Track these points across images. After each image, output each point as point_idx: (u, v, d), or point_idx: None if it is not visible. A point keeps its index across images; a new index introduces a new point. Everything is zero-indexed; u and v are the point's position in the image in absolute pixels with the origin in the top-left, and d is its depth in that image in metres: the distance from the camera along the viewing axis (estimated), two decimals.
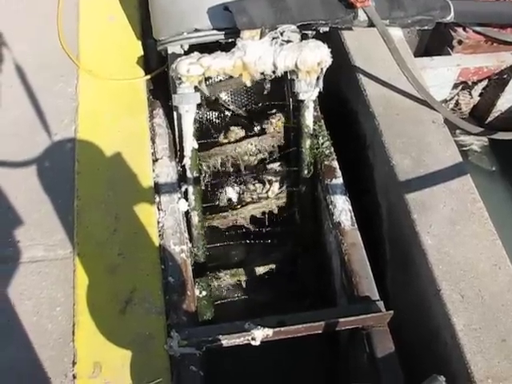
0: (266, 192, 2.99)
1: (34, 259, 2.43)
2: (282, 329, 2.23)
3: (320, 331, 2.31)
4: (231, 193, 3.00)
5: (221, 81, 2.78)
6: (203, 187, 2.94)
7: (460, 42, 3.43)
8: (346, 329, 2.38)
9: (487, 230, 2.42)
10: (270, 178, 3.01)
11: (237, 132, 2.94)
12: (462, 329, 2.16)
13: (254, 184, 3.01)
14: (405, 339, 2.45)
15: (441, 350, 2.31)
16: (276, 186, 3.00)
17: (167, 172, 2.75)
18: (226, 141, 2.95)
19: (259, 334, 2.21)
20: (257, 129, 2.97)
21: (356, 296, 2.48)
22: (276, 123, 2.92)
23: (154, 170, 2.73)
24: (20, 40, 3.14)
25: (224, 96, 3.01)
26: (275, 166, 3.02)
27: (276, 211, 3.06)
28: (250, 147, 2.92)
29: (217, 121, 3.08)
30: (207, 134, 2.98)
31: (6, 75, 3.02)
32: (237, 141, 2.92)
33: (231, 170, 2.99)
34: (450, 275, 2.30)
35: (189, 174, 2.74)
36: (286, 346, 2.50)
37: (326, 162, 2.89)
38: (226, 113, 3.07)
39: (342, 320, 2.28)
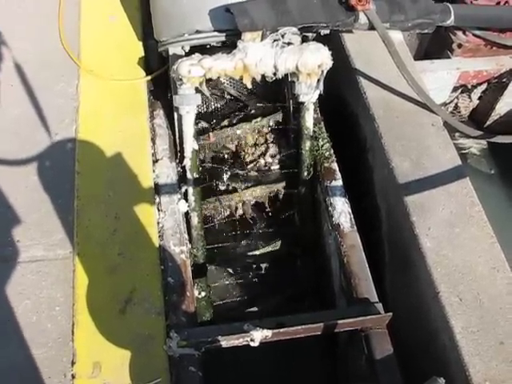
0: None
1: (34, 259, 2.43)
2: (281, 330, 2.23)
3: (319, 333, 2.32)
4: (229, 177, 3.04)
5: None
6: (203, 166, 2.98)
7: (460, 46, 3.44)
8: (345, 330, 2.39)
9: (486, 233, 2.43)
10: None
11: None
12: (460, 331, 2.17)
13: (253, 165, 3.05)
14: (403, 341, 2.46)
15: (439, 352, 2.32)
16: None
17: (167, 173, 2.75)
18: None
19: (258, 336, 2.21)
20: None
21: (355, 298, 2.49)
22: None
23: (154, 171, 2.74)
24: (21, 39, 3.14)
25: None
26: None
27: (277, 196, 3.08)
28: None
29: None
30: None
31: (6, 74, 3.02)
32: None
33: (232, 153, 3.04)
34: (449, 278, 2.30)
35: (189, 175, 2.75)
36: (284, 348, 2.51)
37: (325, 164, 2.90)
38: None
39: (340, 322, 2.29)
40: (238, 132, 2.96)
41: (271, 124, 3.00)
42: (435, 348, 2.35)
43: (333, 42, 3.00)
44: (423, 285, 2.41)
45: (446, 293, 2.27)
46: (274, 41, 2.52)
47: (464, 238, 2.42)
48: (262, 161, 3.04)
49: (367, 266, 2.57)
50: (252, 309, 3.01)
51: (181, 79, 2.50)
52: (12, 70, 3.04)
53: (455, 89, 3.70)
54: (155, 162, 2.78)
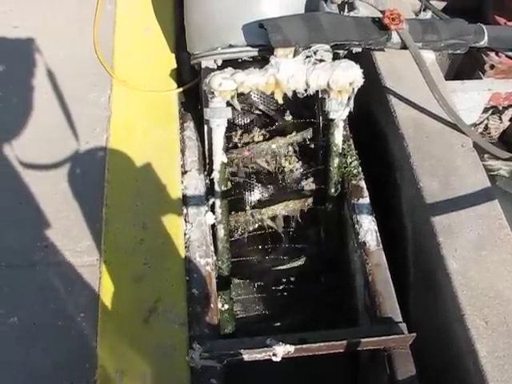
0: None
1: (61, 264, 2.46)
2: (304, 346, 2.22)
3: (341, 350, 2.30)
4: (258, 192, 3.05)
5: None
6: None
7: (492, 67, 3.43)
8: (367, 349, 2.37)
9: None
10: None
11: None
12: (486, 355, 2.14)
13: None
14: (426, 363, 2.44)
15: (463, 376, 2.28)
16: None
17: (195, 184, 2.77)
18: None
19: (280, 351, 2.21)
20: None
21: (379, 316, 2.47)
22: None
23: (182, 182, 2.76)
24: (55, 47, 3.19)
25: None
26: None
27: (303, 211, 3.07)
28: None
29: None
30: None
31: (40, 82, 3.07)
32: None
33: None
34: (475, 301, 2.27)
35: (217, 188, 2.76)
36: (304, 364, 2.50)
37: (353, 182, 2.89)
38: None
39: (363, 340, 2.27)
40: (273, 146, 2.96)
41: (303, 138, 2.99)
42: (459, 371, 2.32)
43: (364, 60, 3.01)
44: (448, 306, 2.39)
45: (472, 315, 2.24)
46: (306, 57, 2.53)
47: (491, 260, 2.39)
48: (294, 175, 3.05)
49: (392, 285, 2.56)
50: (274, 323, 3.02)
51: (212, 92, 2.52)
52: (45, 77, 3.09)
53: (486, 110, 3.68)
54: (184, 173, 2.80)
